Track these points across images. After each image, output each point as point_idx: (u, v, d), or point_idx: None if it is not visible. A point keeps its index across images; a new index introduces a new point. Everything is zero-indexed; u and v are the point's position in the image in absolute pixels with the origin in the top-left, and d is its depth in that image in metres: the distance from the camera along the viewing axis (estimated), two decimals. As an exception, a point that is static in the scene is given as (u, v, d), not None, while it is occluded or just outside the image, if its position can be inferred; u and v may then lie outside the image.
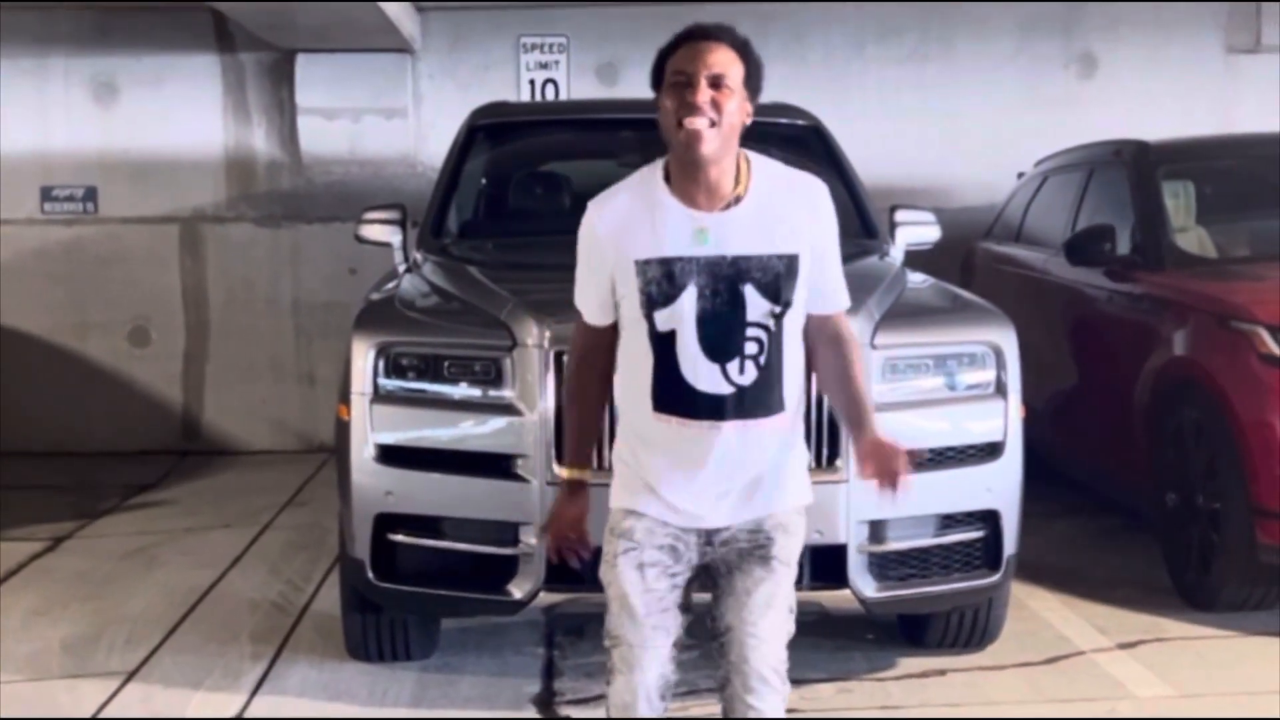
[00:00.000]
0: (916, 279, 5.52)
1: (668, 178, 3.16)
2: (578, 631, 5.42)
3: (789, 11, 9.38)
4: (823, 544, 4.56)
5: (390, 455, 4.68)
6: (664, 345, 3.15)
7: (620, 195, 3.23)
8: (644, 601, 3.21)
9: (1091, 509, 7.29)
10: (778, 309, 3.13)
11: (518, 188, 6.57)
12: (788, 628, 3.28)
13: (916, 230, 6.12)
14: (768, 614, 3.22)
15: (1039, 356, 5.90)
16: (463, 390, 4.65)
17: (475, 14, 9.37)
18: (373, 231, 6.10)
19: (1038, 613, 5.73)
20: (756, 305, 3.11)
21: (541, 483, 4.51)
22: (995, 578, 4.86)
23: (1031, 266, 7.68)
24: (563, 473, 3.44)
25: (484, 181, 6.71)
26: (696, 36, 3.13)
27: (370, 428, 4.67)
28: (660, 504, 3.22)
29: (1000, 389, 4.81)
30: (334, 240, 9.20)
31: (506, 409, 4.58)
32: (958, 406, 4.81)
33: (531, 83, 9.45)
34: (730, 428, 3.15)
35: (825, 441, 4.53)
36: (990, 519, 4.81)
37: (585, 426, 3.41)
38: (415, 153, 9.43)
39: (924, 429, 4.74)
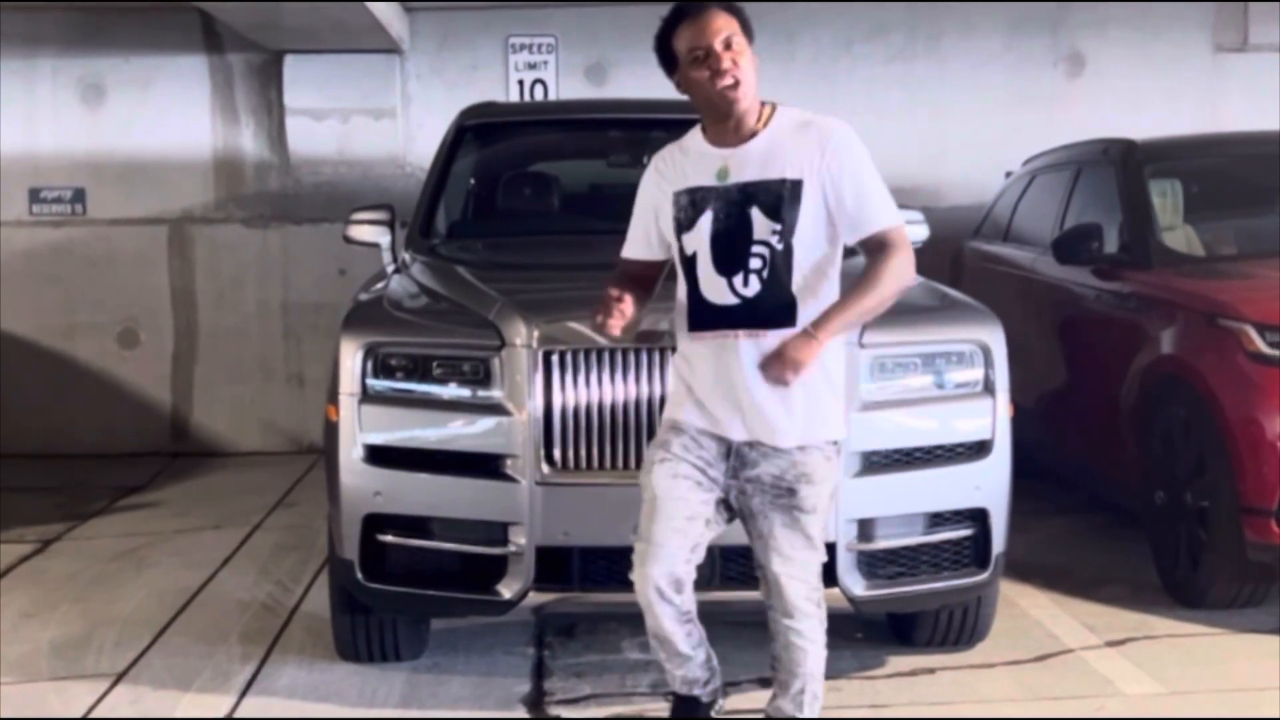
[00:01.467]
0: (905, 278, 5.52)
1: (704, 129, 3.75)
2: (567, 631, 5.43)
3: (777, 10, 9.38)
4: (811, 543, 4.57)
5: (379, 456, 4.68)
6: (690, 267, 3.65)
7: (671, 147, 3.83)
8: (669, 507, 3.68)
9: (1080, 507, 7.31)
10: (778, 226, 3.55)
11: (506, 188, 6.56)
12: (818, 558, 3.76)
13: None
14: (795, 555, 3.70)
15: (1027, 355, 5.92)
16: (451, 390, 4.65)
17: (463, 14, 9.37)
18: (361, 232, 6.10)
19: (1027, 611, 5.74)
20: (761, 225, 3.57)
21: (530, 483, 4.50)
22: (984, 576, 4.86)
23: (1019, 265, 7.69)
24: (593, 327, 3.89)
25: (472, 182, 6.71)
26: (693, 12, 3.66)
27: (359, 428, 4.67)
28: (696, 411, 3.69)
29: (988, 387, 4.82)
30: (323, 241, 9.20)
31: (495, 409, 4.57)
32: (946, 405, 4.81)
33: (520, 83, 9.45)
34: (743, 336, 3.58)
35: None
36: (979, 517, 4.81)
37: (615, 294, 3.78)
38: (404, 153, 9.44)
39: (912, 427, 4.75)
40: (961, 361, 4.83)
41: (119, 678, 5.07)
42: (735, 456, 3.69)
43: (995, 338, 4.86)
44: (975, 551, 4.84)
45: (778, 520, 3.69)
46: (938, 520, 4.80)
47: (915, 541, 4.76)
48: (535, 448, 4.50)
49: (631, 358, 4.49)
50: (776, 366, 3.55)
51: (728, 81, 3.57)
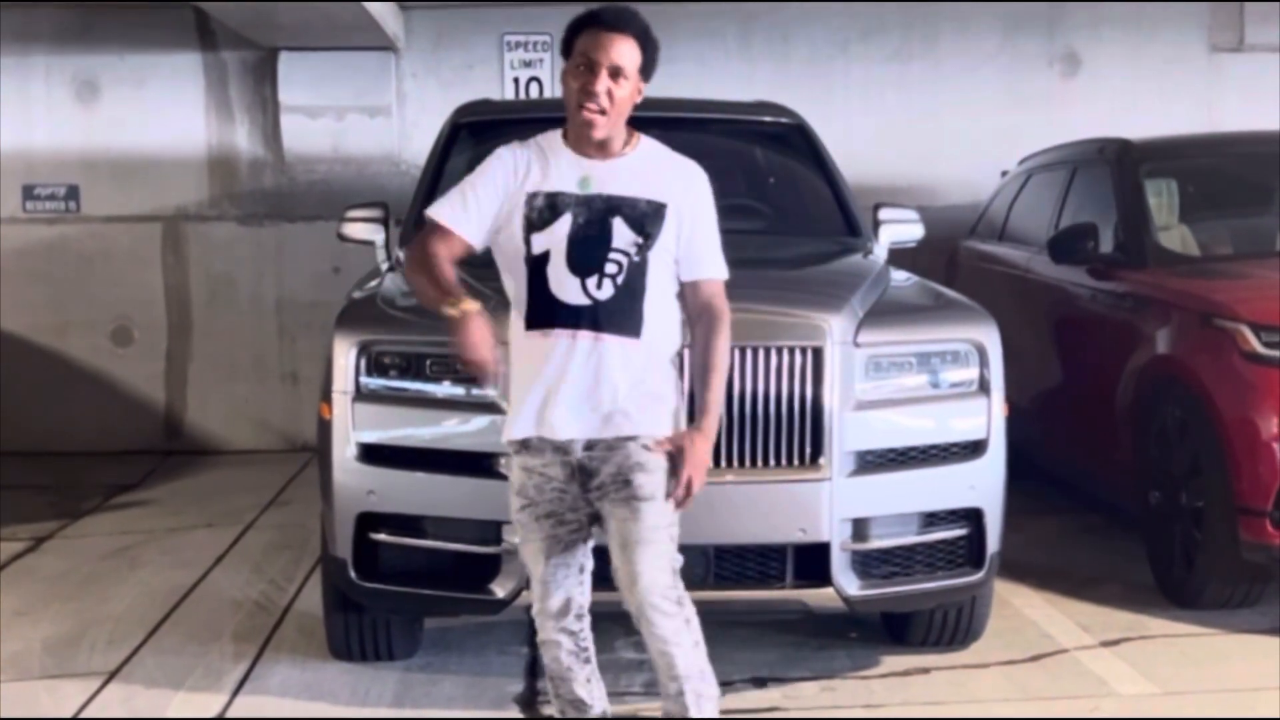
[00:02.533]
0: (900, 277, 5.52)
1: (565, 135, 3.74)
2: (561, 630, 5.41)
3: (773, 10, 9.38)
4: (806, 542, 4.57)
5: (372, 454, 4.67)
6: (537, 266, 3.63)
7: (528, 143, 3.78)
8: (545, 547, 3.75)
9: (1075, 507, 7.30)
10: (640, 240, 3.62)
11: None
12: (666, 555, 3.66)
13: (900, 228, 6.13)
14: (640, 550, 3.61)
15: (1022, 354, 5.91)
16: (445, 389, 4.64)
17: (459, 12, 9.35)
18: (355, 230, 6.09)
19: (1021, 610, 5.73)
20: (622, 234, 3.62)
21: (524, 481, 4.49)
22: (978, 576, 4.86)
23: (1015, 264, 7.69)
24: (453, 311, 3.55)
25: (467, 180, 6.68)
26: (604, 25, 3.66)
27: (352, 426, 4.66)
28: (531, 418, 3.65)
29: (983, 387, 4.81)
30: (317, 239, 9.17)
31: (489, 407, 4.55)
32: (941, 404, 4.81)
33: (515, 81, 9.44)
34: (584, 337, 3.59)
35: (808, 440, 4.53)
36: (973, 517, 4.81)
37: (443, 273, 3.67)
38: (398, 151, 9.42)
39: (907, 427, 4.75)
40: (956, 361, 4.83)
41: (111, 676, 5.06)
42: (580, 472, 3.65)
43: (990, 337, 4.85)
44: (970, 551, 4.84)
45: (621, 513, 3.63)
46: (932, 520, 4.80)
47: (910, 541, 4.75)
48: (529, 446, 4.48)
49: (626, 356, 4.47)
50: (686, 482, 3.64)
51: (591, 107, 3.59)
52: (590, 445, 3.63)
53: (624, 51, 3.63)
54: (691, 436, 3.66)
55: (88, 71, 9.38)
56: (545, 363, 3.62)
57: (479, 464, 4.58)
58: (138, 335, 9.50)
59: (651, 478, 3.62)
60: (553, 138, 3.76)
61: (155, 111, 9.39)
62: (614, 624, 5.36)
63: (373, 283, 5.53)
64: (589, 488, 3.66)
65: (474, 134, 6.69)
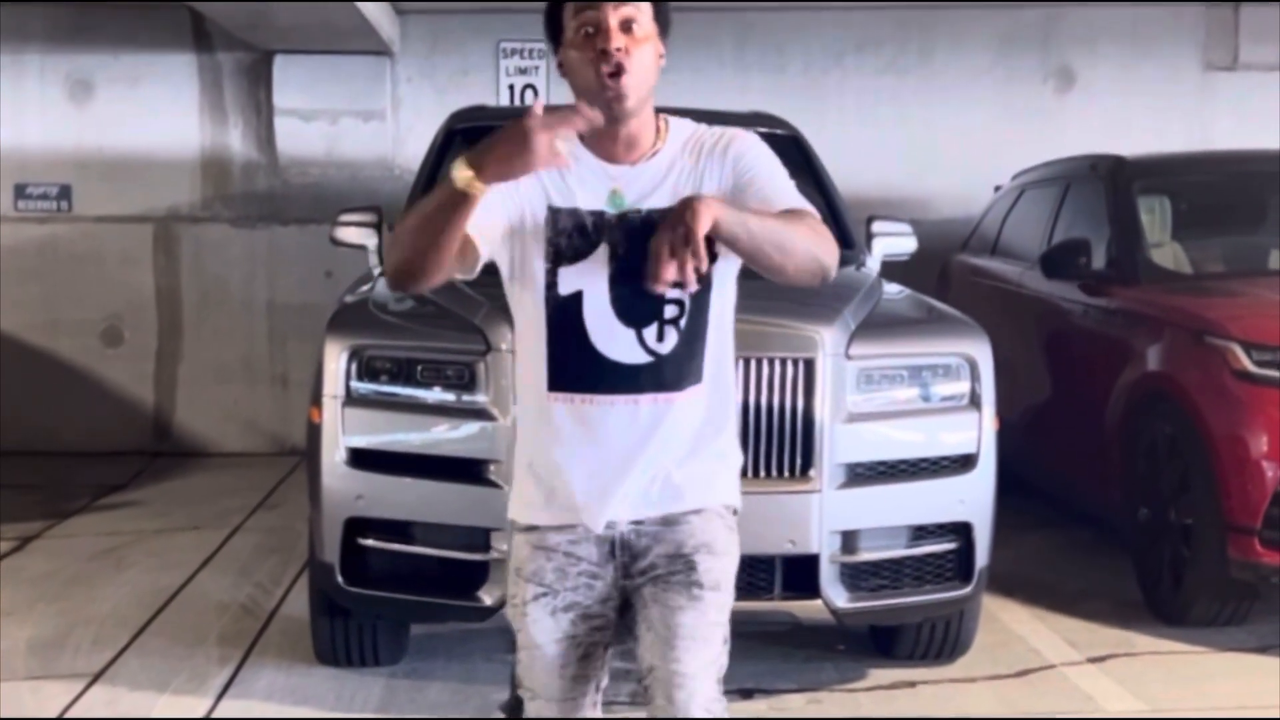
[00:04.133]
0: (892, 290, 5.53)
1: (582, 137, 2.78)
2: (548, 639, 5.40)
3: (767, 21, 9.39)
4: (795, 554, 4.57)
5: (361, 459, 4.66)
6: (565, 310, 2.76)
7: None
8: (561, 650, 2.85)
9: (1064, 522, 7.30)
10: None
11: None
12: (719, 662, 2.82)
13: (893, 241, 6.13)
14: (692, 649, 2.76)
15: (1013, 369, 5.92)
16: (436, 394, 4.63)
17: (455, 18, 9.35)
18: (348, 234, 6.09)
19: (1009, 625, 5.73)
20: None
21: (513, 488, 4.48)
22: (967, 590, 4.86)
23: (1007, 279, 7.70)
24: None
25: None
26: None
27: (342, 431, 4.65)
28: (561, 506, 2.83)
29: (974, 401, 4.82)
30: (309, 242, 9.15)
31: (479, 414, 4.56)
32: (932, 418, 4.81)
33: (511, 87, 9.44)
34: (646, 402, 2.77)
35: (799, 451, 4.53)
36: (963, 531, 4.81)
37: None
38: (392, 155, 9.41)
39: (898, 440, 4.75)
40: (948, 374, 4.83)
41: (95, 678, 5.04)
42: (623, 550, 2.84)
43: (982, 351, 4.86)
44: (958, 565, 4.84)
45: (676, 600, 2.79)
46: (921, 533, 4.80)
47: (899, 554, 4.76)
48: (519, 453, 4.48)
49: (617, 365, 4.47)
50: (675, 229, 2.56)
51: (609, 67, 2.70)
52: (639, 521, 2.83)
53: (629, 3, 2.77)
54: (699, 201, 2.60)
55: (82, 71, 9.36)
56: (586, 435, 2.79)
57: (468, 470, 4.58)
58: (128, 336, 9.47)
59: (718, 562, 2.84)
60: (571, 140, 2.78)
61: (149, 112, 9.38)
62: (601, 633, 5.38)
63: (365, 287, 5.53)
64: (630, 571, 2.84)
65: (468, 140, 6.65)
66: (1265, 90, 9.49)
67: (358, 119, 9.36)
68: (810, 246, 2.70)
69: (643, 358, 2.76)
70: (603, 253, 2.75)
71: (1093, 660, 5.35)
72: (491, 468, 4.53)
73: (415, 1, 9.17)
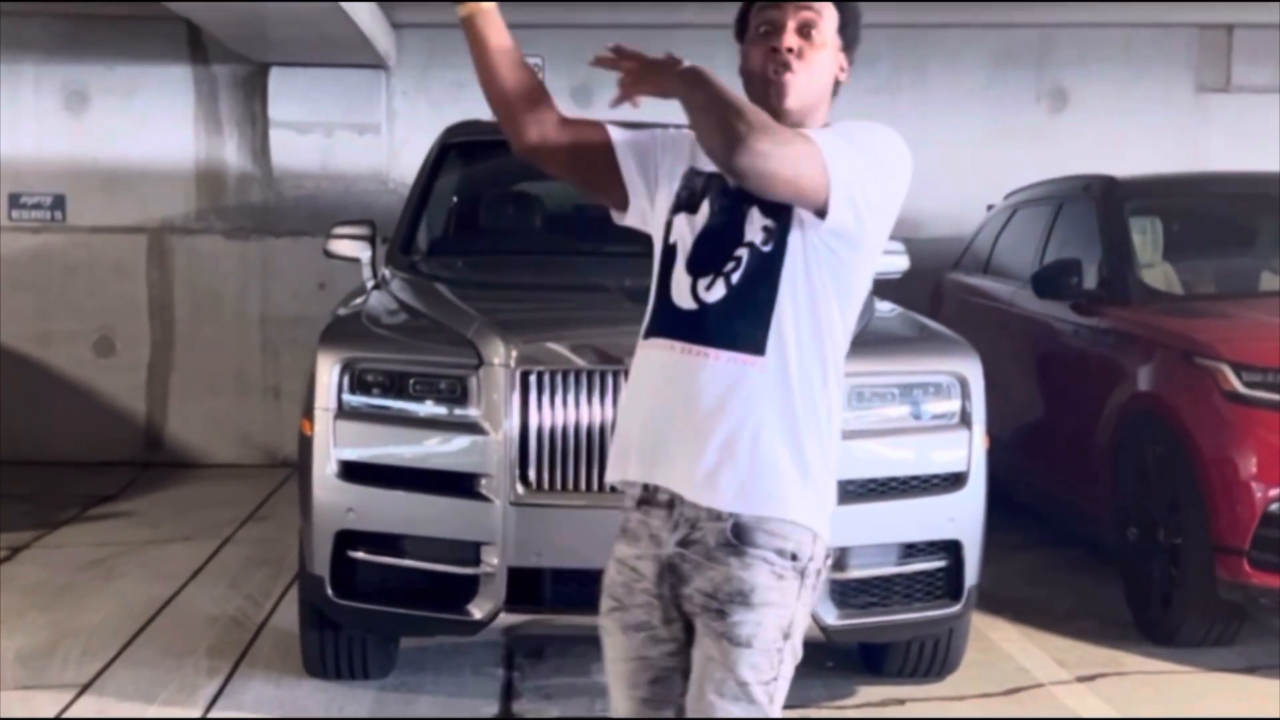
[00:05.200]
0: (884, 308, 5.54)
1: None
2: (537, 653, 5.41)
3: (764, 38, 9.41)
4: (785, 570, 4.56)
5: (353, 471, 4.66)
6: (666, 260, 2.80)
7: None
8: (631, 670, 2.79)
9: (1053, 541, 7.31)
10: (770, 223, 2.68)
11: (488, 207, 6.56)
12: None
13: (885, 259, 6.07)
14: (718, 705, 2.63)
15: (1004, 388, 5.92)
16: (428, 408, 4.64)
17: (451, 31, 9.22)
18: (342, 247, 6.09)
19: (998, 644, 5.73)
20: (755, 223, 2.69)
21: (504, 503, 4.49)
22: (956, 608, 4.86)
23: (999, 298, 7.71)
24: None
25: (455, 199, 6.71)
26: None
27: (333, 443, 4.65)
28: (626, 458, 2.77)
29: (965, 419, 4.83)
30: (303, 255, 9.16)
31: (471, 428, 4.56)
32: (922, 436, 4.82)
33: (506, 102, 9.43)
34: (680, 349, 2.69)
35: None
36: (952, 549, 4.82)
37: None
38: (387, 169, 9.43)
39: (888, 457, 4.75)
40: (939, 393, 4.84)
41: (84, 688, 5.03)
42: (670, 572, 2.71)
43: (973, 370, 4.87)
44: (948, 583, 4.85)
45: (704, 644, 2.67)
46: (911, 551, 4.80)
47: (888, 572, 4.76)
48: (510, 468, 4.49)
49: (610, 379, 4.48)
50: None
51: (777, 63, 2.73)
52: (685, 542, 2.68)
53: (815, 6, 2.78)
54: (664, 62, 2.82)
55: (77, 81, 9.37)
56: (639, 382, 2.78)
57: (459, 484, 4.58)
58: (120, 346, 9.47)
59: (754, 615, 2.63)
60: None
61: (144, 123, 9.38)
62: (590, 647, 5.38)
63: (358, 300, 5.53)
64: (679, 595, 2.72)
65: (463, 154, 6.71)
66: (1258, 112, 9.53)
67: (353, 132, 9.37)
68: (731, 118, 2.59)
69: (690, 304, 2.71)
70: (704, 210, 2.77)
71: (1081, 679, 5.36)
72: (483, 482, 4.53)
73: (412, 11, 9.19)
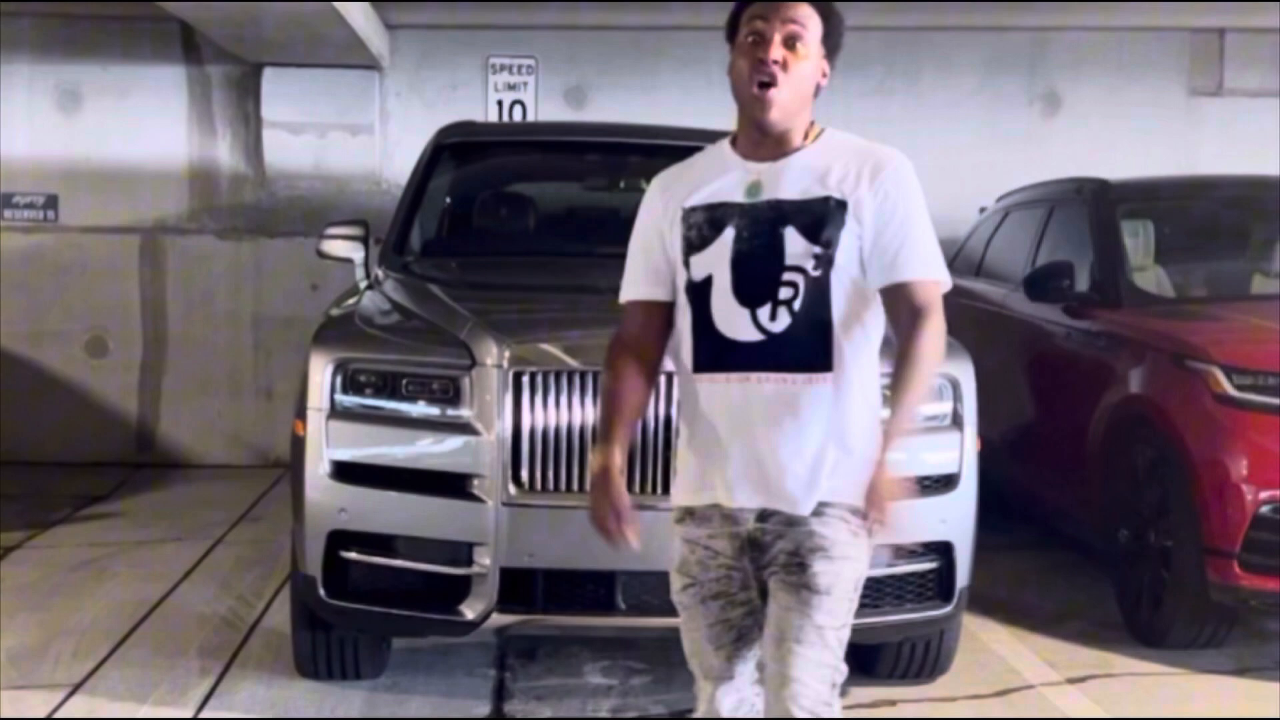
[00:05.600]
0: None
1: (734, 142, 3.08)
2: (529, 654, 5.41)
3: (757, 41, 9.41)
4: (776, 571, 4.57)
5: (345, 472, 4.65)
6: (699, 295, 2.97)
7: (688, 161, 3.17)
8: (715, 634, 3.07)
9: (1044, 543, 7.32)
10: (817, 249, 2.90)
11: (482, 207, 6.57)
12: (829, 664, 2.97)
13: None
14: (798, 651, 2.92)
15: (996, 390, 5.93)
16: (420, 408, 4.63)
17: (444, 33, 9.38)
18: (335, 247, 6.09)
19: (988, 645, 5.74)
20: (796, 246, 2.91)
21: (497, 503, 4.49)
22: (947, 609, 4.87)
23: (991, 301, 7.72)
24: (593, 461, 3.11)
25: (448, 200, 6.71)
26: None
27: (326, 444, 4.65)
28: (698, 485, 3.02)
29: (956, 421, 4.83)
30: (296, 255, 9.17)
31: (464, 428, 4.56)
32: (913, 437, 4.81)
33: (499, 103, 9.46)
34: (761, 380, 2.91)
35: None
36: (944, 550, 4.82)
37: (613, 406, 3.12)
38: (380, 170, 9.43)
39: (880, 459, 4.75)
40: (930, 394, 4.84)
41: (75, 688, 5.03)
42: (752, 547, 2.99)
43: (964, 372, 4.87)
44: (939, 584, 4.85)
45: (785, 601, 2.95)
46: (902, 552, 4.80)
47: (879, 573, 4.75)
48: (503, 468, 4.49)
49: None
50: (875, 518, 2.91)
51: (762, 76, 2.90)
52: (764, 516, 2.96)
53: (799, 15, 2.94)
54: (884, 479, 2.87)
55: (70, 81, 9.37)
56: (715, 414, 2.97)
57: (452, 484, 4.57)
58: (112, 346, 9.46)
59: (833, 566, 2.93)
60: (718, 147, 3.10)
61: (137, 123, 9.38)
62: (582, 648, 5.39)
63: (351, 301, 5.54)
64: (760, 564, 3.00)
65: (456, 155, 6.71)
66: (1250, 115, 9.56)
67: (346, 132, 9.37)
68: (936, 367, 3.03)
69: (755, 336, 2.91)
70: (728, 236, 2.95)
71: (1072, 681, 5.37)
72: (475, 482, 4.53)
73: (406, 12, 9.20)
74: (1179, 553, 5.58)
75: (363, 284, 5.88)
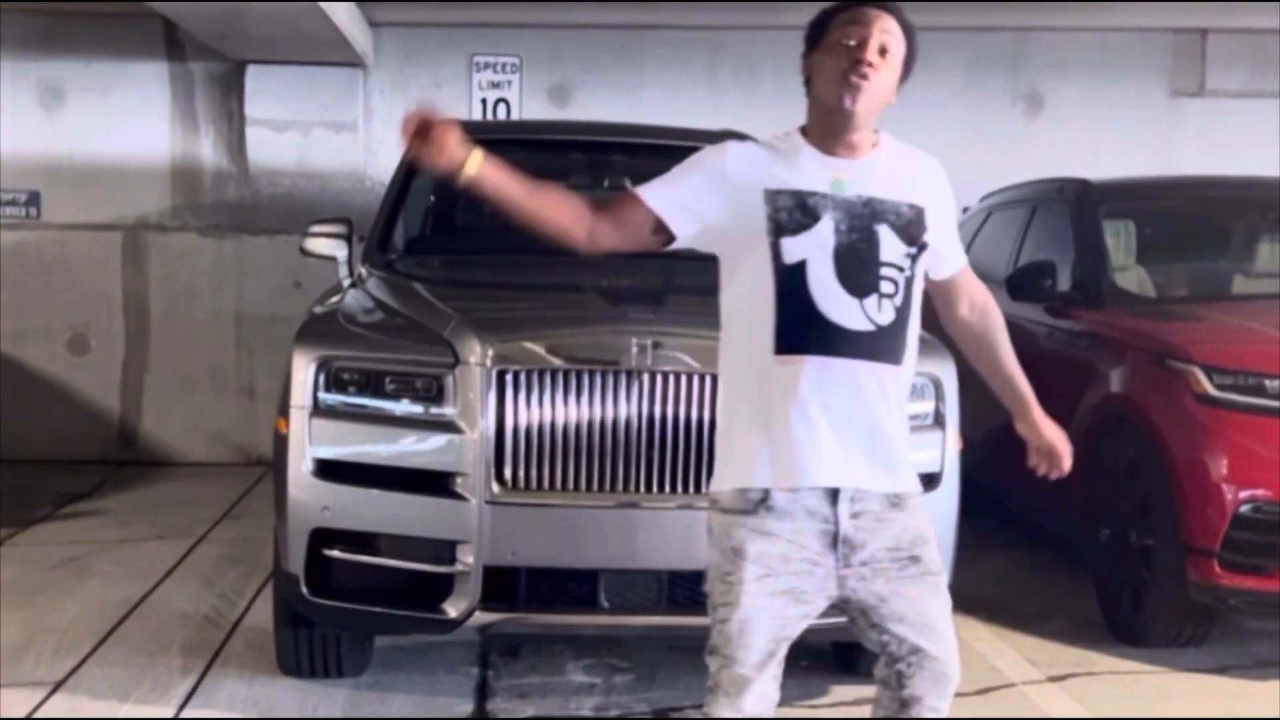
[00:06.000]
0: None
1: (804, 132, 3.24)
2: (512, 652, 5.41)
3: (742, 41, 9.44)
4: (759, 570, 4.57)
5: (328, 470, 4.65)
6: (791, 278, 3.05)
7: (761, 143, 3.27)
8: (770, 629, 3.10)
9: (1026, 542, 7.35)
10: (913, 250, 3.12)
11: (465, 206, 6.55)
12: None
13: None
14: (947, 629, 3.19)
15: (978, 389, 5.94)
16: (403, 406, 4.63)
17: (428, 31, 9.37)
18: (318, 245, 6.08)
19: (970, 644, 5.75)
20: (891, 245, 3.10)
21: (480, 501, 4.49)
22: (929, 608, 4.87)
23: (974, 300, 7.73)
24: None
25: (432, 198, 6.70)
26: (873, 7, 3.18)
27: (309, 441, 4.64)
28: (789, 465, 3.04)
29: (939, 420, 4.84)
30: (279, 253, 9.16)
31: (447, 426, 4.56)
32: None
33: (483, 102, 9.46)
34: (864, 368, 3.05)
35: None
36: (926, 549, 4.82)
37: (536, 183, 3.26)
38: (364, 167, 9.42)
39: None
40: (912, 394, 4.82)
41: (57, 686, 5.02)
42: (844, 543, 3.07)
43: (947, 371, 4.88)
44: (921, 583, 4.85)
45: (916, 590, 3.13)
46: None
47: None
48: (486, 466, 4.49)
49: (586, 379, 4.49)
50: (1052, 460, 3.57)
51: (860, 69, 3.07)
52: (856, 514, 3.07)
53: (894, 29, 3.19)
54: (1034, 418, 3.58)
55: (53, 78, 9.34)
56: (813, 395, 3.03)
57: (435, 483, 4.57)
58: (95, 344, 9.44)
59: (931, 548, 3.17)
60: (790, 135, 3.26)
61: (120, 120, 9.36)
62: (565, 647, 5.40)
63: (334, 298, 5.53)
64: (851, 562, 3.07)
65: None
66: (1231, 116, 9.61)
67: (329, 130, 9.36)
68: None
69: (865, 325, 3.05)
70: (826, 226, 3.06)
71: (1053, 679, 5.39)
72: (458, 480, 4.53)
73: (390, 10, 9.19)
74: (1159, 552, 5.61)
75: (346, 282, 5.88)
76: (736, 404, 3.15)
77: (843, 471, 3.04)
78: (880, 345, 3.07)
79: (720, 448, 3.20)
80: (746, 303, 3.11)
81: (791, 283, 3.04)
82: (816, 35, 3.23)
